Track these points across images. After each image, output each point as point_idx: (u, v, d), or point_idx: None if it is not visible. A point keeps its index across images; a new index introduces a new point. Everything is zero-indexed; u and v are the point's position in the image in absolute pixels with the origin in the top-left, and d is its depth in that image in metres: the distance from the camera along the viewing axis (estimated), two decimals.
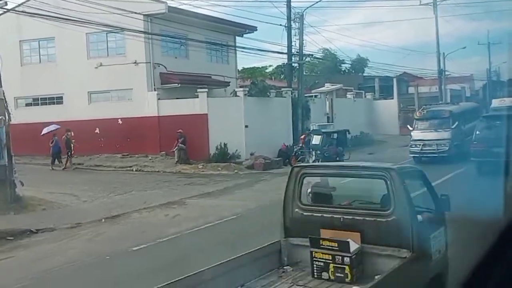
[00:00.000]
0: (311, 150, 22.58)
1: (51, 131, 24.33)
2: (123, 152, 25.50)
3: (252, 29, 31.40)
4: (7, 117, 15.14)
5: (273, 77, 47.36)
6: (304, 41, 28.86)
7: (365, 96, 40.92)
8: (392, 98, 42.82)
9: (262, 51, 30.59)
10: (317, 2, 29.26)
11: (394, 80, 43.55)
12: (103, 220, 13.20)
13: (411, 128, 23.90)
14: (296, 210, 6.09)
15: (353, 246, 5.42)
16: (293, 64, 29.90)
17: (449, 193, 6.15)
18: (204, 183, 19.40)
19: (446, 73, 44.78)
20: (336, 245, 5.46)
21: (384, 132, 37.47)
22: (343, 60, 48.64)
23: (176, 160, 23.79)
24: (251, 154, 23.92)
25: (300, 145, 23.94)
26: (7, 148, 14.68)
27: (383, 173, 5.55)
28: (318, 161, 21.21)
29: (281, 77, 46.13)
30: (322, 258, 5.50)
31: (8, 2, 18.78)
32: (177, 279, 4.91)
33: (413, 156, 22.41)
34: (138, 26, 23.78)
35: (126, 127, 25.47)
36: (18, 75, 26.71)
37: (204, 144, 24.11)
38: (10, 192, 14.50)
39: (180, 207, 14.86)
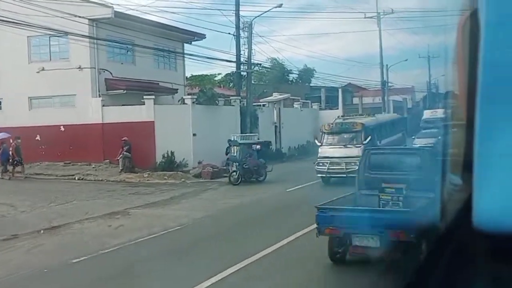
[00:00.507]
0: (230, 161, 21.14)
1: (1, 139, 23.30)
2: (66, 160, 24.64)
3: (201, 36, 31.27)
4: None
5: (222, 85, 47.26)
6: (252, 50, 29.11)
7: (312, 106, 41.56)
8: (337, 108, 43.71)
9: (211, 59, 30.35)
10: (265, 12, 29.64)
11: (339, 90, 44.40)
12: (42, 231, 12.64)
13: (318, 143, 20.61)
14: (366, 174, 9.99)
15: (404, 190, 8.61)
16: (241, 73, 30.01)
17: None
18: (150, 192, 19.01)
19: (389, 84, 46.30)
20: (394, 190, 8.71)
21: None
22: (291, 70, 49.14)
23: (120, 168, 23.24)
24: (199, 163, 23.70)
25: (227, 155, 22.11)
26: None
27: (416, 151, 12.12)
28: (236, 174, 20.27)
29: (230, 85, 46.14)
30: (385, 199, 8.67)
31: None
32: None
33: (321, 177, 19.47)
34: (83, 31, 23.08)
35: (68, 134, 24.63)
36: None
37: (151, 152, 23.70)
38: None
39: (123, 217, 14.47)
